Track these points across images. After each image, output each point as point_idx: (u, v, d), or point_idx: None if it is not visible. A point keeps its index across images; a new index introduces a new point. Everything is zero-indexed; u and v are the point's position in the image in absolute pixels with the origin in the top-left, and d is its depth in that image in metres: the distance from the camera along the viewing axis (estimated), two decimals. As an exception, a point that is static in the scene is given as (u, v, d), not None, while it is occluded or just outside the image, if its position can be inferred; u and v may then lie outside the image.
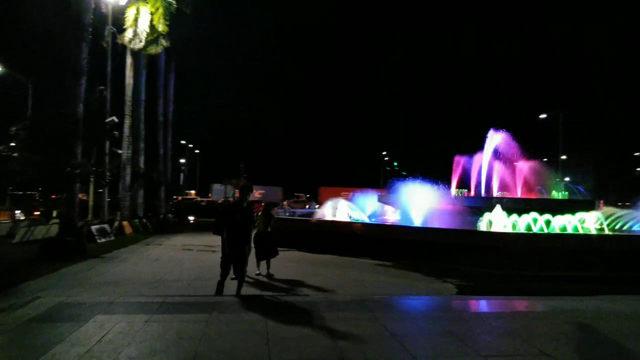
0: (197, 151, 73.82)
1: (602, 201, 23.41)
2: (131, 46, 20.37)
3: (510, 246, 12.26)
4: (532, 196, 22.40)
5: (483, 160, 22.49)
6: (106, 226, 18.91)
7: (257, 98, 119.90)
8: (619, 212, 19.16)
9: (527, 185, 21.68)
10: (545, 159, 32.08)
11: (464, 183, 24.21)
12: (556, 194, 20.88)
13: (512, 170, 22.55)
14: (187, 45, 28.73)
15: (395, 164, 76.11)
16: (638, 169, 64.18)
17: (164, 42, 21.42)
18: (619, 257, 11.85)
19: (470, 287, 10.14)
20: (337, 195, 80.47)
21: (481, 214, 17.40)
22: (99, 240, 17.33)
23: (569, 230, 14.68)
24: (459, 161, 23.31)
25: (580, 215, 15.90)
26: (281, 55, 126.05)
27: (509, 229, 14.84)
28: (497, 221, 15.14)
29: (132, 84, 21.75)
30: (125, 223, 20.77)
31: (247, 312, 6.77)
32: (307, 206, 61.26)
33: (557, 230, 14.32)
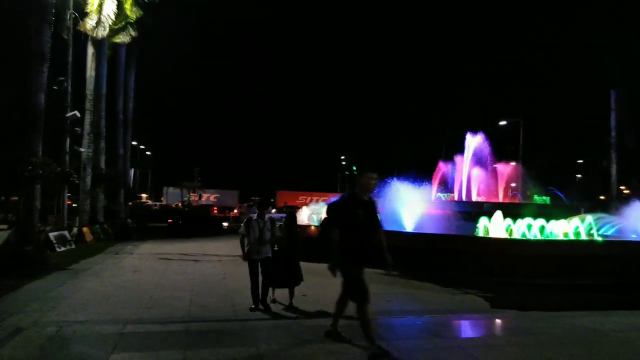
0: (148, 153, 70.42)
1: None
2: (94, 35, 18.42)
3: (519, 253, 11.71)
4: (507, 200, 22.36)
5: (463, 163, 22.22)
6: (65, 233, 16.92)
7: (215, 99, 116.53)
8: (592, 216, 19.25)
9: (507, 189, 21.55)
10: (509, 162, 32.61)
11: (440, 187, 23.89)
12: (537, 199, 20.85)
13: (492, 173, 22.39)
14: (151, 38, 26.78)
15: (355, 168, 75.86)
16: (578, 175, 67.15)
17: (132, 32, 19.60)
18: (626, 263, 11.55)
19: (499, 299, 9.38)
20: (295, 199, 79.97)
21: (471, 219, 16.94)
22: (58, 249, 15.41)
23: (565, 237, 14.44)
24: (440, 166, 22.93)
25: (573, 220, 15.75)
26: (239, 57, 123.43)
27: (505, 235, 14.41)
28: (495, 227, 14.66)
29: (94, 76, 19.76)
30: (85, 229, 18.76)
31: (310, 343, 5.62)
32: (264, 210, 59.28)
33: (560, 236, 13.99)
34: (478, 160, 22.21)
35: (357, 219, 5.08)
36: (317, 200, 70.84)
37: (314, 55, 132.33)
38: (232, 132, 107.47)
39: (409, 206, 17.25)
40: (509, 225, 14.92)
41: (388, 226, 17.53)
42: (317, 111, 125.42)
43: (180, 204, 60.13)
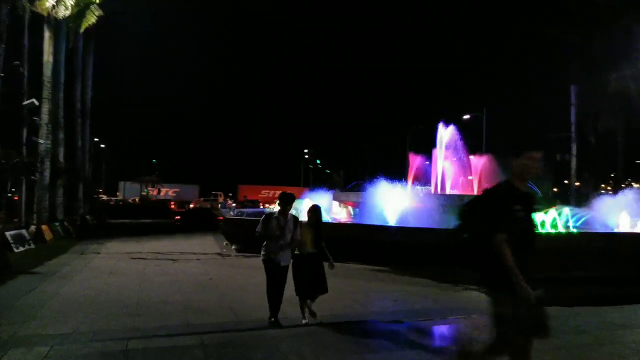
0: (102, 146, 67.14)
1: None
2: (54, 14, 16.86)
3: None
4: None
5: (437, 155, 22.10)
6: (24, 232, 15.54)
7: (173, 91, 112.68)
8: (568, 208, 19.64)
9: (484, 180, 21.58)
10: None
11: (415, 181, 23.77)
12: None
13: (466, 166, 22.40)
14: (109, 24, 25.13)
15: (319, 161, 75.47)
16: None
17: (95, 12, 18.11)
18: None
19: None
20: (257, 193, 78.71)
21: (453, 212, 16.79)
22: (16, 250, 14.12)
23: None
24: (414, 158, 22.76)
25: (550, 212, 15.89)
26: (202, 47, 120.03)
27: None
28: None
29: (51, 62, 18.21)
30: (44, 227, 17.31)
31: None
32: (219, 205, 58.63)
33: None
34: (452, 153, 22.15)
35: (522, 222, 3.45)
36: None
37: (276, 46, 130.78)
38: (192, 126, 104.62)
39: (390, 201, 16.95)
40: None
41: (372, 222, 17.29)
42: (279, 103, 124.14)
43: (137, 199, 57.87)
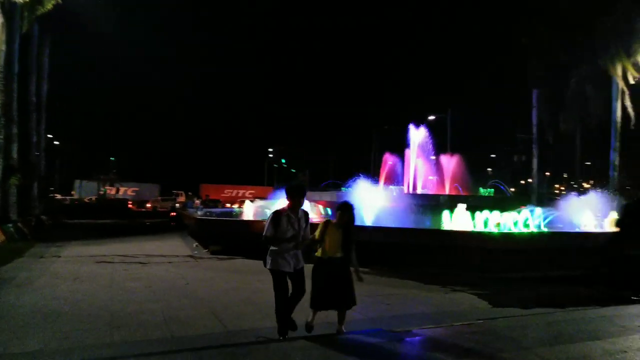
0: (56, 143, 63.86)
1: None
2: (8, -1, 15.60)
3: (498, 246, 11.49)
4: (454, 193, 22.60)
5: (410, 155, 22.10)
6: (-27, 234, 14.29)
7: (135, 88, 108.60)
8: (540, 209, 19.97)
9: (453, 180, 21.73)
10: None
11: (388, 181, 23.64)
12: (483, 191, 21.24)
13: (437, 166, 22.49)
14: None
15: (283, 160, 74.79)
16: (489, 168, 71.28)
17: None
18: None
19: (494, 296, 8.93)
20: (220, 192, 77.14)
21: (427, 212, 16.72)
22: (-35, 254, 12.91)
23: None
24: (387, 158, 22.63)
25: (523, 212, 16.03)
26: (164, 43, 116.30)
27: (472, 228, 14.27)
28: (460, 220, 14.46)
29: (4, 51, 16.88)
30: (-4, 229, 16.02)
31: None
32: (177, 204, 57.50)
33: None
34: (422, 153, 22.20)
35: None
36: (251, 195, 68.90)
37: (239, 44, 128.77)
38: (153, 123, 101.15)
39: (367, 201, 16.68)
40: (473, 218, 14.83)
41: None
42: (243, 101, 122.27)
43: (94, 198, 55.43)
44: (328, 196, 18.79)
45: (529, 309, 7.83)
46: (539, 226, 16.77)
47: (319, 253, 5.72)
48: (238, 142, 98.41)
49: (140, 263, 12.23)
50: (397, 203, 16.76)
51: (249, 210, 21.31)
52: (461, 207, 14.65)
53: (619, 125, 32.18)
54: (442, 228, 14.30)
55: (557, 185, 64.35)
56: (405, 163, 21.47)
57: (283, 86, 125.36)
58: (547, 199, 26.54)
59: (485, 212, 14.98)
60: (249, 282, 9.76)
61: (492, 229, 14.01)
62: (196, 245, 16.15)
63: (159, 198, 60.95)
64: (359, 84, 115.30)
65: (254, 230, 15.06)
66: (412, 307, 7.97)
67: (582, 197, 20.43)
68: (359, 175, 18.49)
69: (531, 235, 13.05)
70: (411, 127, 22.47)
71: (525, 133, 40.48)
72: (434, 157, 22.59)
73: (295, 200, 5.54)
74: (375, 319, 7.00)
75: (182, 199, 61.49)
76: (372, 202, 16.72)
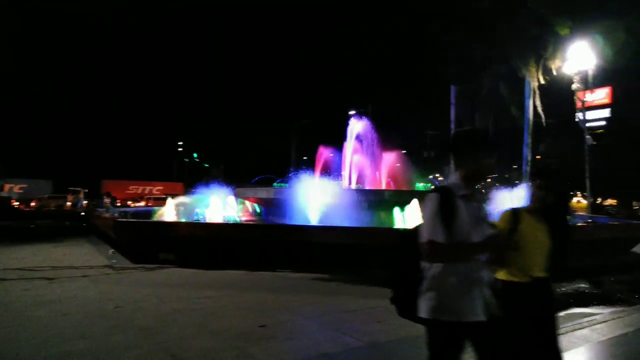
0: None
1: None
2: None
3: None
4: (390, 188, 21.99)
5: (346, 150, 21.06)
6: None
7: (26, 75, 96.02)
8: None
9: (390, 176, 21.07)
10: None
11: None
12: (422, 187, 20.79)
13: (374, 160, 21.69)
14: None
15: (195, 155, 70.83)
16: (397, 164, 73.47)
17: None
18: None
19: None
20: (124, 189, 71.43)
21: (372, 208, 15.75)
22: None
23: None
24: (322, 152, 21.40)
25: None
26: (72, 31, 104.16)
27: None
28: (413, 216, 13.55)
29: None
30: None
31: None
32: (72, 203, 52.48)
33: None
34: (361, 147, 21.32)
35: None
36: (159, 192, 63.94)
37: (146, 34, 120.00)
38: (46, 113, 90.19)
39: (310, 197, 15.29)
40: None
41: (288, 221, 15.44)
42: (148, 93, 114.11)
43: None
44: (264, 192, 17.03)
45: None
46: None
47: (502, 273, 3.26)
48: (144, 136, 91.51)
49: (47, 279, 9.63)
50: (342, 199, 15.49)
51: (170, 209, 18.95)
52: (414, 203, 13.76)
53: (531, 122, 34.05)
54: (397, 226, 13.32)
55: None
56: (343, 157, 20.36)
57: (195, 77, 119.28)
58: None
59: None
60: (195, 299, 7.87)
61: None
62: (112, 252, 13.61)
63: (46, 196, 54.39)
64: (279, 77, 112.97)
65: (201, 234, 12.87)
66: (408, 325, 6.61)
67: (513, 191, 20.89)
68: (292, 169, 17.04)
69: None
70: (352, 120, 21.71)
71: (444, 131, 41.65)
72: (376, 152, 21.79)
73: (477, 178, 2.73)
74: (378, 345, 5.53)
75: (80, 196, 55.63)
76: (315, 198, 15.39)
